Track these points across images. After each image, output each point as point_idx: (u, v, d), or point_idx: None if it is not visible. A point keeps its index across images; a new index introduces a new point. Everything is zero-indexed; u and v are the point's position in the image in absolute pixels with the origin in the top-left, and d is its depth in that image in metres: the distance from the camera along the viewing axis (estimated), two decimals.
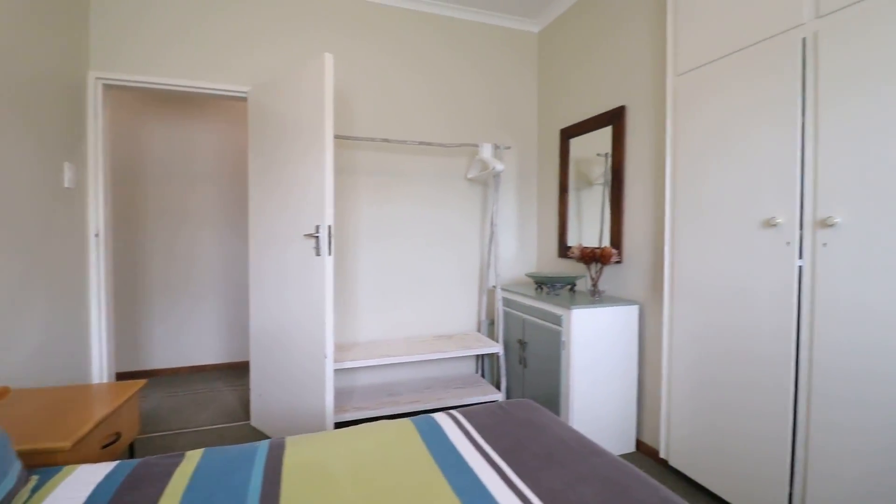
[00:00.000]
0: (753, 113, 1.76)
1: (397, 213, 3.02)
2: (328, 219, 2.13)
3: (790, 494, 1.65)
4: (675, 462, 2.08)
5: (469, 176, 3.12)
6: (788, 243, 1.63)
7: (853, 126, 1.45)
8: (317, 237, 2.16)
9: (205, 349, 3.78)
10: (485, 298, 3.21)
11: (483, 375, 3.18)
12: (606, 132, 2.60)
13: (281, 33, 2.75)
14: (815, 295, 1.55)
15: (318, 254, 2.17)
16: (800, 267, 1.60)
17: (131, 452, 2.04)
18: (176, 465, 1.23)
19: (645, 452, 2.31)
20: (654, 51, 2.32)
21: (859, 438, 1.43)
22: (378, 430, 1.41)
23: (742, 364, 1.79)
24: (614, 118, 2.53)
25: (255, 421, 2.66)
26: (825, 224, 1.52)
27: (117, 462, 1.25)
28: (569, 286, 2.70)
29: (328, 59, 2.15)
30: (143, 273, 3.63)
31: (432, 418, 1.50)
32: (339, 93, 2.85)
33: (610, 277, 2.58)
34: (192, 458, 1.28)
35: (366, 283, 2.96)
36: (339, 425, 2.50)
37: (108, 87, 2.51)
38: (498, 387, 2.92)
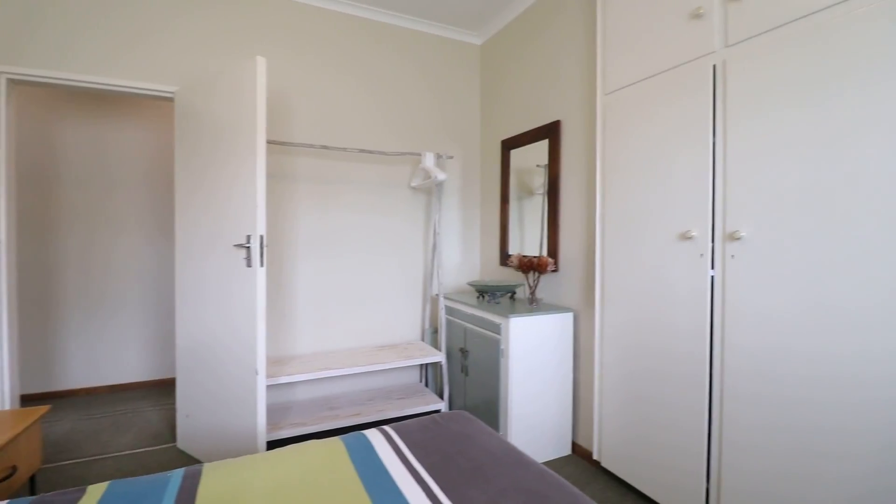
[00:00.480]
0: (671, 133, 1.87)
1: (339, 221, 2.96)
2: (260, 228, 2.04)
3: (707, 489, 1.76)
4: (606, 463, 2.16)
5: (412, 185, 3.11)
6: (702, 255, 1.75)
7: (754, 147, 1.58)
8: (248, 247, 2.07)
9: (127, 366, 3.51)
10: (428, 307, 3.21)
11: (427, 384, 3.17)
12: (544, 145, 2.69)
13: (212, 33, 2.62)
14: (725, 302, 1.67)
15: (249, 265, 2.07)
16: (712, 277, 1.72)
17: (32, 487, 1.84)
18: (74, 502, 1.12)
19: (580, 455, 2.39)
20: (586, 69, 2.43)
21: (761, 434, 1.55)
22: (304, 451, 1.36)
23: (664, 366, 1.89)
24: (551, 132, 2.62)
25: (182, 443, 2.49)
26: (733, 237, 1.65)
27: (6, 502, 1.12)
28: (509, 294, 2.75)
29: (261, 62, 2.07)
30: (55, 283, 3.31)
31: (364, 436, 1.47)
32: (276, 97, 2.75)
33: (547, 286, 2.65)
34: (95, 492, 1.17)
35: (305, 294, 2.87)
36: (273, 444, 2.39)
37: (13, 83, 2.27)
38: (441, 395, 2.92)
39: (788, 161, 1.49)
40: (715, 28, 1.72)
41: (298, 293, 2.85)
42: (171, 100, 2.55)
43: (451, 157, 3.23)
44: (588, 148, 2.40)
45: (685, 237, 1.81)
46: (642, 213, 2.00)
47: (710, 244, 1.72)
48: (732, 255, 1.65)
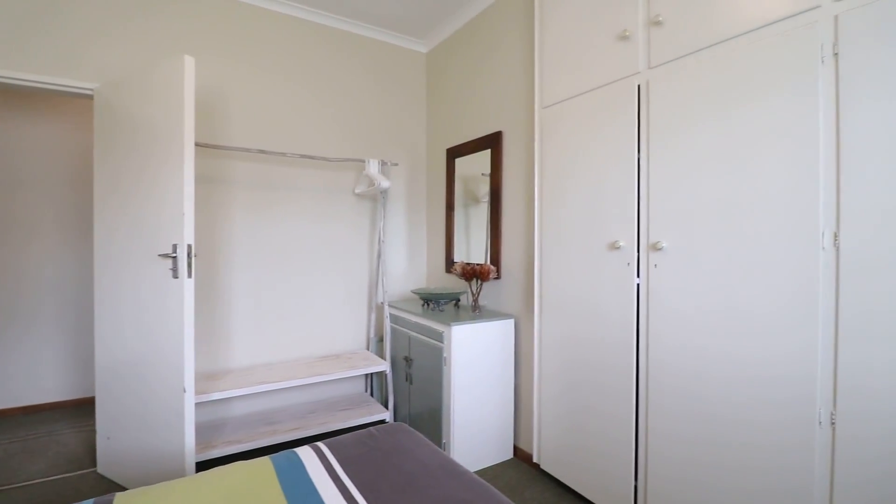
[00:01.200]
0: (601, 148, 1.97)
1: (280, 228, 2.86)
2: (188, 237, 1.94)
3: (636, 488, 1.85)
4: (545, 465, 2.22)
5: (356, 191, 3.07)
6: (629, 264, 1.84)
7: (673, 162, 1.69)
8: (174, 257, 1.95)
9: (42, 385, 3.20)
10: (374, 316, 3.17)
11: (372, 394, 3.12)
12: (487, 155, 2.73)
13: (140, 28, 2.46)
14: (650, 308, 1.77)
15: (175, 276, 1.95)
16: (637, 284, 1.82)
17: None
18: None
19: (521, 458, 2.44)
20: (525, 82, 2.50)
21: (685, 425, 1.65)
22: (229, 474, 1.30)
23: (596, 370, 1.97)
24: (493, 142, 2.67)
25: (103, 468, 2.31)
26: (656, 248, 1.75)
27: None
28: (453, 302, 2.77)
29: (189, 62, 1.97)
30: None
31: (295, 454, 1.42)
32: (212, 99, 2.63)
33: (490, 293, 2.70)
34: None
35: (242, 305, 2.75)
36: (205, 464, 2.27)
37: None
38: (386, 405, 2.89)
39: (701, 175, 1.60)
40: (640, 50, 1.82)
41: (234, 304, 2.73)
42: (89, 97, 2.37)
43: (396, 165, 3.21)
44: (528, 159, 2.47)
45: (614, 247, 1.90)
46: (577, 224, 2.08)
47: (635, 254, 1.82)
48: (655, 265, 1.75)
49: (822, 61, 1.33)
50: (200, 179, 2.56)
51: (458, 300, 2.74)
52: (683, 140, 1.66)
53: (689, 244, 1.64)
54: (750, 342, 1.46)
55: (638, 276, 1.82)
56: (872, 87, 1.23)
